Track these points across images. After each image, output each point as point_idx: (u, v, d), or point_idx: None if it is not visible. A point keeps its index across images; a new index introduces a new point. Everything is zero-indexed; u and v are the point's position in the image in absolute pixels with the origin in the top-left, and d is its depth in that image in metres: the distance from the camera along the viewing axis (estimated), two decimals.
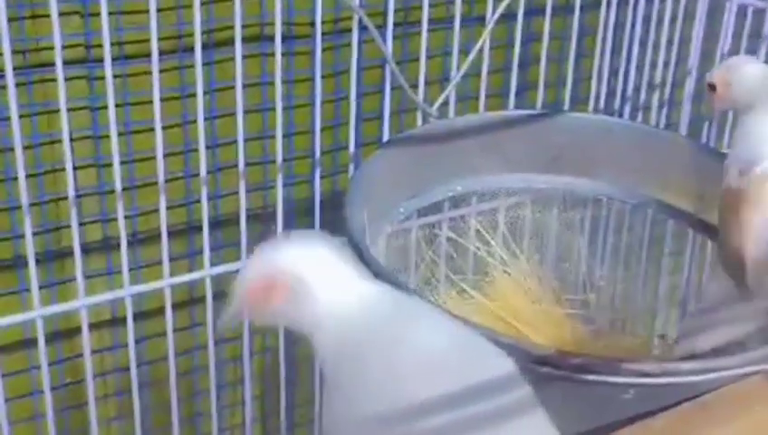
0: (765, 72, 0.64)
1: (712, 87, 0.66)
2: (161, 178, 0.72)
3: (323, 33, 0.76)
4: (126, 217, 0.74)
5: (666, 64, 0.93)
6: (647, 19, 0.92)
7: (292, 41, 0.84)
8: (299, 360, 0.95)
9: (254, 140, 0.86)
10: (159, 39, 0.68)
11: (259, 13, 0.83)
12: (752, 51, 0.84)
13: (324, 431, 0.46)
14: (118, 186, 0.70)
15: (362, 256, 0.61)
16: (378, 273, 0.58)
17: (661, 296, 0.79)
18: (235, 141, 0.74)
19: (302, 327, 0.48)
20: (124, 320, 0.76)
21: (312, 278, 0.47)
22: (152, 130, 0.71)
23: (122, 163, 0.79)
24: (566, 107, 0.92)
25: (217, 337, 0.79)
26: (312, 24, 0.77)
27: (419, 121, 0.84)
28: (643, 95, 0.94)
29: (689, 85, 0.91)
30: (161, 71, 0.73)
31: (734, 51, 0.86)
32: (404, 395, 0.43)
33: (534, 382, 0.47)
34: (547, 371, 0.52)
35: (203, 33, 0.76)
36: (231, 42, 0.71)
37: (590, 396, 0.53)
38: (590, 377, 0.52)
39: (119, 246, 0.73)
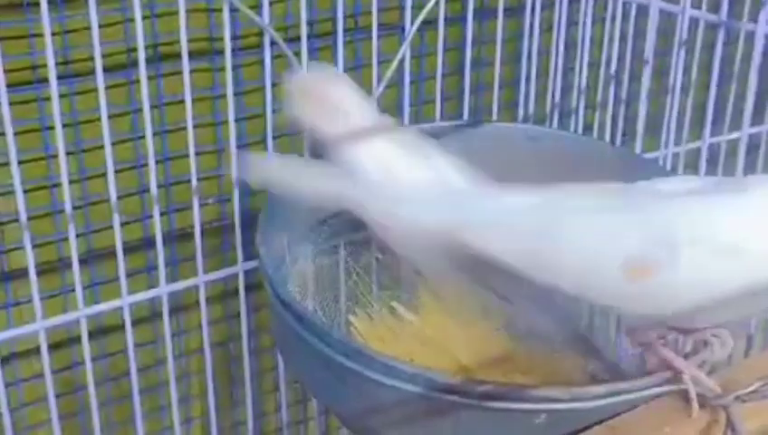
0: None
1: None
2: (113, 195, 0.69)
3: (272, 43, 0.74)
4: (80, 236, 0.72)
5: (591, 66, 0.92)
6: (570, 22, 0.92)
7: (240, 52, 0.82)
8: (263, 370, 0.95)
9: (208, 154, 0.84)
10: (107, 55, 0.67)
11: (207, 26, 0.81)
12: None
13: None
14: (68, 206, 0.67)
15: (270, 283, 0.60)
16: (285, 301, 0.58)
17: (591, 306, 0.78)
18: (187, 155, 0.72)
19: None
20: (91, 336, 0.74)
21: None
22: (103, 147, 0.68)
23: (74, 182, 0.77)
24: (494, 113, 0.91)
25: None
26: (261, 35, 0.75)
27: None
28: (573, 100, 0.93)
29: (612, 90, 0.90)
30: (110, 87, 0.71)
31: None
32: None
33: (445, 407, 0.48)
34: (454, 399, 0.52)
35: (150, 47, 0.75)
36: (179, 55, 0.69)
37: (502, 420, 0.53)
38: (497, 404, 0.52)
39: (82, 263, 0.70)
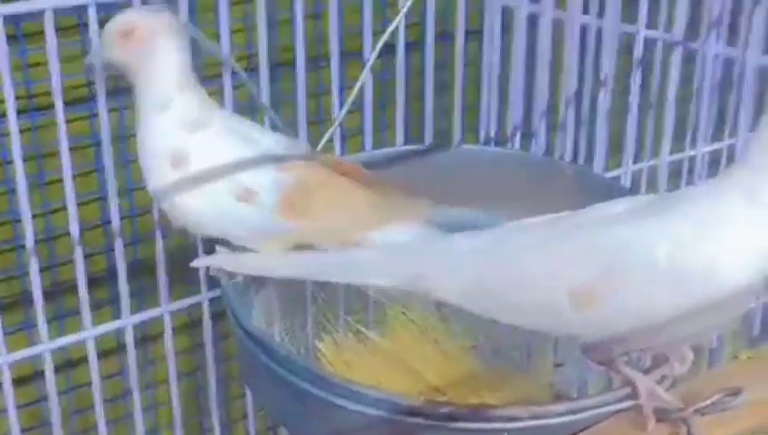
0: None
1: None
2: (75, 229, 0.69)
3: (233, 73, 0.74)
4: (45, 269, 0.72)
5: (551, 88, 0.93)
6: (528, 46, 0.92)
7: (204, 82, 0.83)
8: (231, 398, 0.94)
9: None
10: (69, 89, 0.67)
11: None
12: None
13: None
14: (30, 240, 0.67)
15: (233, 311, 0.60)
16: (248, 329, 0.59)
17: None
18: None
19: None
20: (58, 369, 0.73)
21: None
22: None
23: (37, 216, 0.77)
24: (456, 137, 0.91)
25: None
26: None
27: None
28: (534, 122, 0.93)
29: (571, 112, 0.90)
30: (73, 120, 0.71)
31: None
32: None
33: (411, 429, 0.48)
34: (418, 421, 0.53)
35: (112, 79, 0.75)
36: None
37: None
38: (461, 425, 0.52)
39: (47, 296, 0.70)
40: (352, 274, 0.58)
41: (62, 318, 0.81)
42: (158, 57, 0.59)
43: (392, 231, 0.63)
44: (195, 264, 0.62)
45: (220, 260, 0.62)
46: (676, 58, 0.82)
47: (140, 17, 0.59)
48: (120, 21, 0.58)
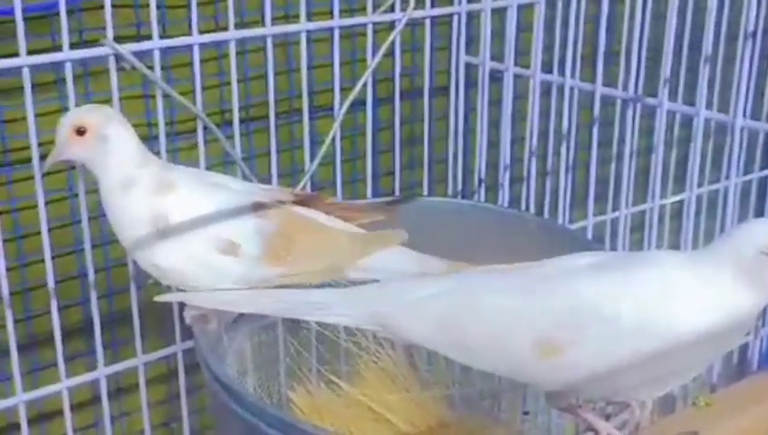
0: None
1: None
2: (51, 281, 0.69)
3: (205, 128, 0.75)
4: (20, 321, 0.71)
5: (514, 142, 0.95)
6: (492, 101, 0.94)
7: (177, 137, 0.84)
8: None
9: None
10: (45, 144, 0.67)
11: (144, 112, 0.82)
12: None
13: None
14: (5, 291, 0.67)
15: (205, 361, 0.60)
16: (219, 379, 0.59)
17: None
18: None
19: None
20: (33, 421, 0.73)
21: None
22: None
23: (13, 268, 0.77)
24: (424, 189, 0.93)
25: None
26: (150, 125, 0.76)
27: None
28: (500, 174, 0.95)
29: (533, 164, 0.92)
30: (49, 173, 0.71)
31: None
32: None
33: None
34: None
35: None
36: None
37: None
38: None
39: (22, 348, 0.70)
40: (314, 311, 0.59)
41: (37, 371, 0.81)
42: (113, 146, 0.61)
43: (378, 258, 0.64)
44: (159, 298, 0.62)
45: (185, 296, 0.62)
46: (631, 114, 0.85)
47: (90, 114, 0.62)
48: (72, 120, 0.61)
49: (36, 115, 0.66)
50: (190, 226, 0.61)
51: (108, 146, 0.61)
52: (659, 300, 0.51)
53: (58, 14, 0.66)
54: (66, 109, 0.71)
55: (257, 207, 0.63)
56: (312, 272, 0.63)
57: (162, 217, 0.61)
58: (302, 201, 0.66)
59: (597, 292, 0.52)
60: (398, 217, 0.74)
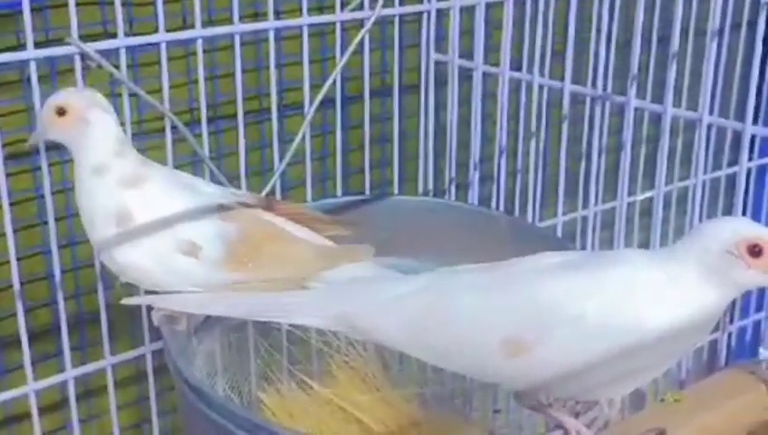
0: None
1: None
2: (16, 283, 0.68)
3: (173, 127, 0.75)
4: None
5: (484, 141, 0.95)
6: (462, 100, 0.93)
7: (144, 136, 0.81)
8: None
9: None
10: (12, 143, 0.67)
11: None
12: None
13: None
14: None
15: (173, 362, 0.60)
16: (187, 380, 0.58)
17: None
18: None
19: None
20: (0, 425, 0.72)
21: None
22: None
23: None
24: (395, 188, 0.92)
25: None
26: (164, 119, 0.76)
27: None
28: (470, 172, 0.94)
29: (503, 162, 0.91)
30: (15, 173, 0.71)
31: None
32: None
33: None
34: None
35: None
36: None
37: None
38: None
39: None
40: (281, 313, 0.59)
41: (4, 374, 0.80)
42: (92, 130, 0.61)
43: (342, 271, 0.64)
44: (125, 301, 0.62)
45: (152, 299, 0.61)
46: (600, 112, 0.85)
47: (73, 96, 0.62)
48: (55, 100, 0.61)
49: (1, 115, 0.65)
50: (152, 223, 0.60)
51: (88, 129, 0.61)
52: (626, 298, 0.52)
53: (22, 12, 0.65)
54: (31, 108, 0.71)
55: (222, 210, 0.62)
56: (273, 280, 0.63)
57: (125, 210, 0.61)
58: (271, 208, 0.65)
59: (564, 291, 0.52)
60: (367, 222, 0.75)
